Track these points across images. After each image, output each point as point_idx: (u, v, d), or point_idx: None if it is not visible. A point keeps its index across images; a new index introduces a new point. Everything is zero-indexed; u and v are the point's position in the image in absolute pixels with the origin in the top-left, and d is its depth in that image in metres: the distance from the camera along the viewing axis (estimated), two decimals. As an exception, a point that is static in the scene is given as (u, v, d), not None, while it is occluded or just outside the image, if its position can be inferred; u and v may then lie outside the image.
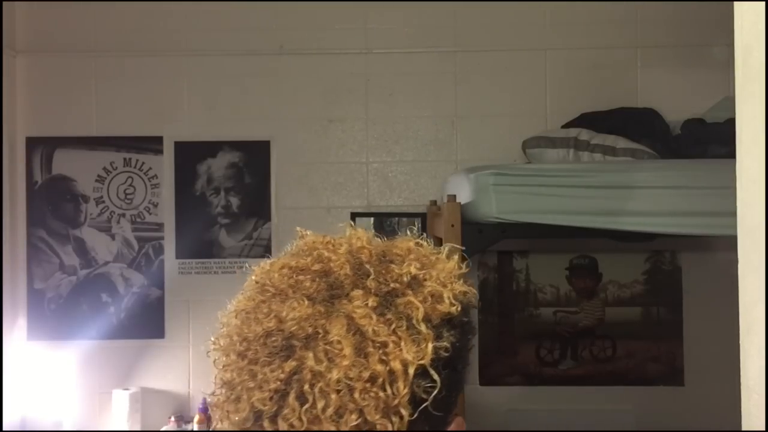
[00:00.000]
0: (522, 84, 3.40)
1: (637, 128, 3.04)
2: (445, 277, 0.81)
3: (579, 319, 3.42)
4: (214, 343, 0.80)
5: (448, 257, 0.84)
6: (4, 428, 3.08)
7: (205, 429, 3.21)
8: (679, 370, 3.39)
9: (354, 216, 3.36)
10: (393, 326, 0.74)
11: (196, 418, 3.23)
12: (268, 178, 3.40)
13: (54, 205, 3.38)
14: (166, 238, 3.38)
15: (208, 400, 0.81)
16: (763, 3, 0.77)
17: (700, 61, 3.34)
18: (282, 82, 3.41)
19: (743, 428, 0.82)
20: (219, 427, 0.76)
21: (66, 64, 3.40)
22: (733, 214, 0.84)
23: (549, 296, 3.42)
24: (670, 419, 3.30)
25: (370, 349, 0.73)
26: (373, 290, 0.77)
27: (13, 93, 3.33)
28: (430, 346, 0.74)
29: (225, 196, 3.40)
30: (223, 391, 0.76)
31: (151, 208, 3.40)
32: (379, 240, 0.86)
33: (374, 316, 0.74)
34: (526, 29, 3.41)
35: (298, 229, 0.87)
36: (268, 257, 0.87)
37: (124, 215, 3.39)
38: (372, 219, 3.39)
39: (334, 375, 0.71)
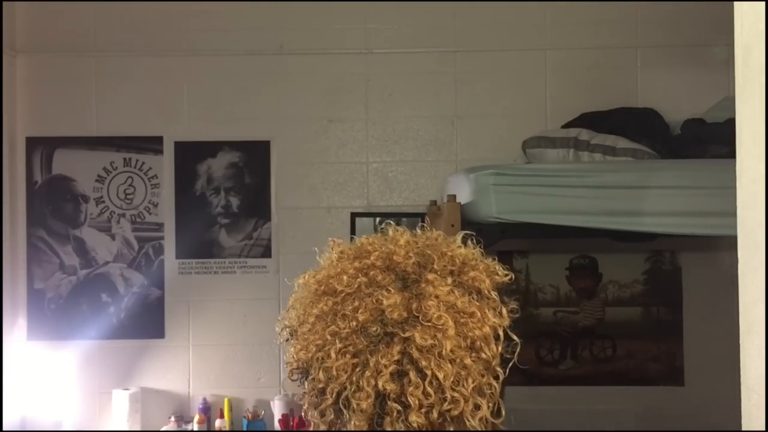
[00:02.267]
0: (522, 84, 3.40)
1: (637, 128, 3.03)
2: (479, 255, 0.92)
3: (579, 319, 3.42)
4: (295, 357, 0.87)
5: (463, 242, 0.94)
6: (4, 428, 3.08)
7: (205, 429, 3.21)
8: (679, 370, 3.39)
9: (354, 216, 3.36)
10: (470, 298, 0.85)
11: (196, 418, 3.23)
12: (268, 178, 3.40)
13: (54, 205, 3.38)
14: (166, 238, 3.38)
15: (304, 404, 0.86)
16: (763, 3, 0.77)
17: (700, 61, 3.34)
18: (282, 82, 3.41)
19: (743, 428, 0.82)
20: (348, 413, 0.81)
21: (66, 64, 3.39)
22: (733, 214, 0.84)
23: (549, 296, 3.42)
24: (670, 419, 3.30)
25: (464, 320, 0.83)
26: (440, 272, 0.86)
27: (13, 93, 3.33)
28: (505, 310, 0.87)
29: (225, 196, 3.40)
30: (334, 387, 0.82)
31: (151, 208, 3.39)
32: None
33: (456, 292, 0.84)
34: (526, 29, 3.41)
35: (330, 240, 0.94)
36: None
37: (124, 215, 3.39)
38: (373, 219, 3.39)
39: (448, 346, 0.80)
